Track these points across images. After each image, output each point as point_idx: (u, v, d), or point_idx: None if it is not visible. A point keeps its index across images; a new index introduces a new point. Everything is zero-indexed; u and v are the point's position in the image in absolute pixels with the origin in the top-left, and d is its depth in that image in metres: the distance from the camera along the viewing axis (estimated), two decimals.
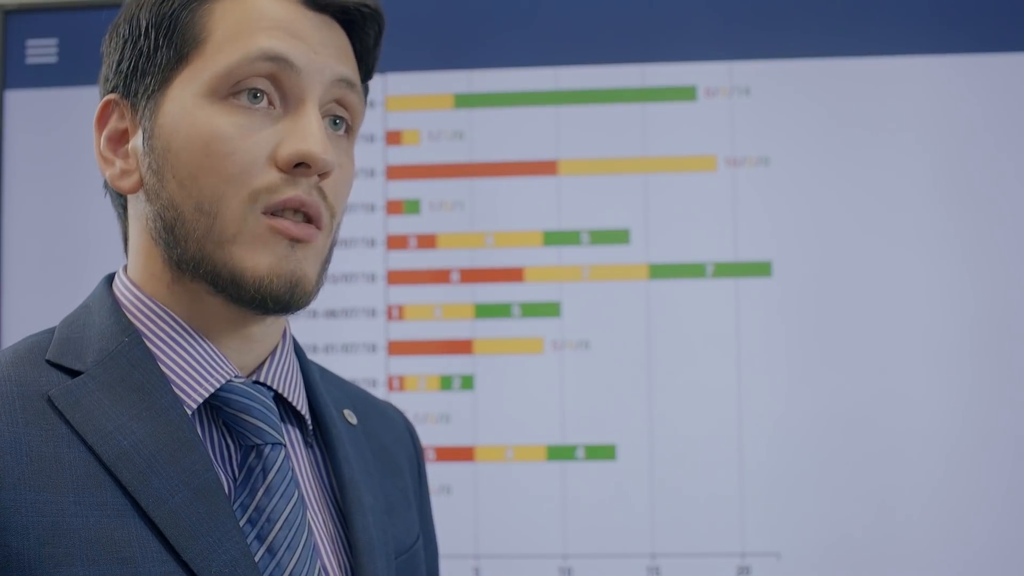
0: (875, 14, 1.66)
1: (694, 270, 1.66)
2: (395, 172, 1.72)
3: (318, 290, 0.76)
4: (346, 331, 1.70)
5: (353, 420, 0.87)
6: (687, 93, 1.68)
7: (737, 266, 1.65)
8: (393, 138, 1.72)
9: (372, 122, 1.72)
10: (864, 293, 1.63)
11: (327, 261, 0.78)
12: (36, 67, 1.76)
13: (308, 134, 0.72)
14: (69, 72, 1.75)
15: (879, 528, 1.60)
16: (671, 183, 1.67)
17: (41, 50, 1.76)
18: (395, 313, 1.70)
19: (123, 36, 0.76)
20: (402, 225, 1.71)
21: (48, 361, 0.73)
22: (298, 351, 0.85)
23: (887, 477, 1.61)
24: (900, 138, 1.65)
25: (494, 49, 1.71)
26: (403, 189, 1.71)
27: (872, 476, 1.61)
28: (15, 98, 1.75)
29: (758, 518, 1.62)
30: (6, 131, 1.74)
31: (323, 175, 0.74)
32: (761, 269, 1.65)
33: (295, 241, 0.73)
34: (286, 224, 0.72)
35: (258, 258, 0.72)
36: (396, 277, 1.70)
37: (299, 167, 0.72)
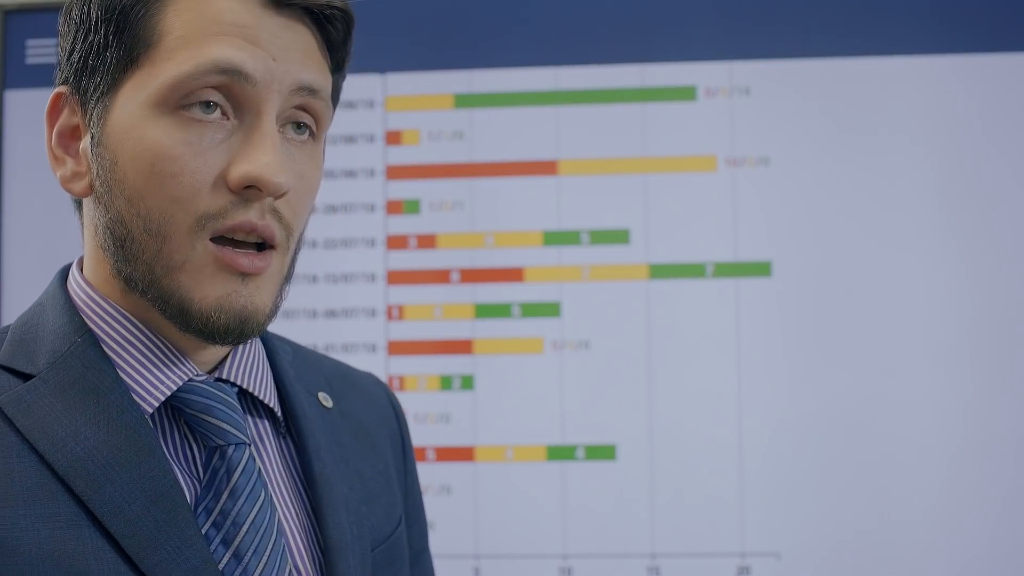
0: (875, 14, 1.66)
1: (694, 270, 1.66)
2: (395, 172, 1.72)
3: (276, 311, 0.73)
4: (346, 331, 1.70)
5: (328, 403, 0.83)
6: (687, 93, 1.68)
7: (737, 266, 1.65)
8: (393, 138, 1.72)
9: (372, 122, 1.72)
10: (864, 293, 1.63)
11: (287, 278, 0.74)
12: (36, 67, 1.75)
13: (261, 154, 0.67)
14: None
15: (879, 528, 1.60)
16: (671, 183, 1.67)
17: (41, 50, 1.76)
18: (395, 313, 1.70)
19: (75, 22, 0.71)
20: (402, 225, 1.71)
21: None
22: (264, 336, 0.82)
23: (887, 477, 1.61)
24: (900, 138, 1.65)
25: (494, 49, 1.71)
26: (403, 189, 1.71)
27: (872, 476, 1.61)
28: (15, 98, 1.75)
29: (758, 518, 1.62)
30: (6, 131, 1.74)
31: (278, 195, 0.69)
32: (761, 269, 1.65)
33: (246, 274, 0.69)
34: (235, 257, 0.68)
35: (206, 290, 0.68)
36: (396, 277, 1.70)
37: (250, 188, 0.67)
